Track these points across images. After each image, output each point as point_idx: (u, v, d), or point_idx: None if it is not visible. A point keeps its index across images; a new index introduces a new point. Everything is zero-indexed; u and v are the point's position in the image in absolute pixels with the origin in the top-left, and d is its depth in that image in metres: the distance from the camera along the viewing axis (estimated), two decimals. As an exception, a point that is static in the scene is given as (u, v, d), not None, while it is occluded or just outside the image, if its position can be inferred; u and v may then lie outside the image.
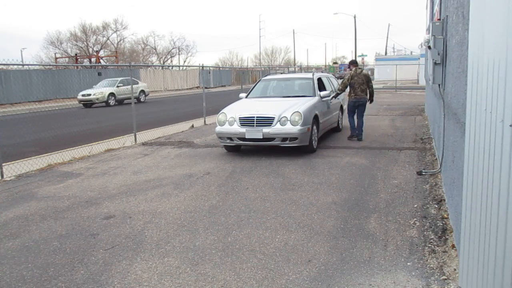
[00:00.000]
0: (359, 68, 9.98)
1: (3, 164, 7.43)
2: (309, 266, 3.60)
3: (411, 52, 59.36)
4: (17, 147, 10.35)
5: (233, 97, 11.75)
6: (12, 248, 4.22)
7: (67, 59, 52.66)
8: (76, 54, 53.10)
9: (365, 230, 4.35)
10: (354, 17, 44.39)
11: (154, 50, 69.16)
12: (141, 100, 27.24)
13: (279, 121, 7.95)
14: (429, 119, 11.37)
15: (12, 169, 7.70)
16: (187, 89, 45.49)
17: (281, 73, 16.92)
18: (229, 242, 4.18)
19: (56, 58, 51.54)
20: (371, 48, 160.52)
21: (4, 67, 26.41)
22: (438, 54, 5.25)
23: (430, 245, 3.93)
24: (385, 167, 7.00)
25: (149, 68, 42.82)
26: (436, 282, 3.25)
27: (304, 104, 8.41)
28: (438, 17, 6.99)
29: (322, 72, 24.08)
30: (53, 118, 15.80)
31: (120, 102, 26.16)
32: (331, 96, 9.94)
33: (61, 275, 3.62)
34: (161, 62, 66.84)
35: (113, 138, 11.16)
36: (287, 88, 10.01)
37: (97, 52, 53.99)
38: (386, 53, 68.35)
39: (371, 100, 10.06)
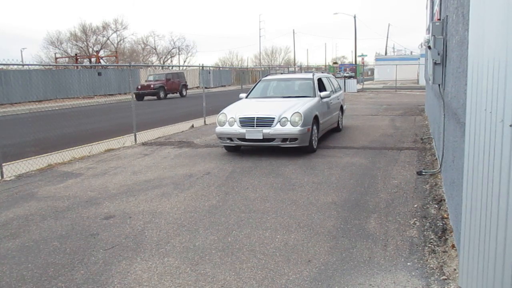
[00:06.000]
0: None
1: (3, 164, 7.43)
2: (309, 266, 3.60)
3: (411, 52, 59.44)
4: (17, 147, 10.35)
5: (233, 97, 11.75)
6: (12, 248, 4.22)
7: (67, 59, 52.62)
8: (76, 54, 53.06)
9: (365, 230, 4.34)
10: (354, 17, 44.36)
11: (154, 50, 69.17)
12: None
13: (279, 121, 7.95)
14: (429, 119, 11.37)
15: (12, 169, 7.70)
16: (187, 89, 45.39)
17: (281, 73, 16.92)
18: (229, 242, 4.18)
19: (56, 58, 51.51)
20: (371, 48, 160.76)
21: (4, 67, 26.44)
22: (438, 54, 5.25)
23: (430, 245, 3.93)
24: (385, 167, 7.00)
25: (149, 68, 42.80)
26: (436, 282, 3.25)
27: (304, 105, 8.41)
28: (438, 17, 6.99)
29: (322, 72, 24.08)
30: (53, 118, 15.79)
31: None
32: (331, 97, 9.96)
33: (61, 275, 3.62)
34: (161, 62, 66.82)
35: (113, 138, 11.16)
36: (287, 88, 10.00)
37: (97, 52, 53.95)
38: (386, 53, 68.40)
39: None
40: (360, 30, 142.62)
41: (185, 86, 33.40)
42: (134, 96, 11.30)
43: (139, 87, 30.12)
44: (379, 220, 4.62)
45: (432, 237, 4.10)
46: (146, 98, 30.15)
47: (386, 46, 72.35)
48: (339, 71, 48.22)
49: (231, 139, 8.28)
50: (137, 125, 10.84)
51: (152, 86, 29.80)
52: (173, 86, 31.67)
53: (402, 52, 66.33)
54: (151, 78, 31.89)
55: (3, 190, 6.46)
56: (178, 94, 32.47)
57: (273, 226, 4.54)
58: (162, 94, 30.21)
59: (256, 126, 8.00)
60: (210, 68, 41.12)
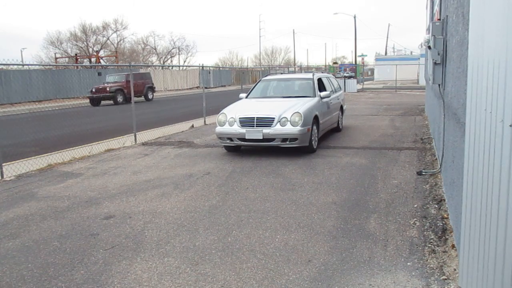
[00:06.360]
0: None
1: (3, 164, 7.43)
2: (309, 266, 3.60)
3: (411, 52, 59.46)
4: (17, 147, 10.35)
5: (233, 97, 11.75)
6: (12, 248, 4.22)
7: (67, 59, 52.68)
8: (76, 54, 53.10)
9: (365, 230, 4.34)
10: (354, 17, 44.38)
11: (154, 50, 69.20)
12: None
13: (279, 121, 7.95)
14: (429, 119, 11.37)
15: (12, 169, 7.70)
16: (187, 89, 45.50)
17: (281, 73, 16.93)
18: (229, 242, 4.18)
19: (56, 58, 51.56)
20: (371, 48, 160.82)
21: (4, 67, 26.47)
22: (438, 54, 5.25)
23: (430, 245, 3.93)
24: (385, 167, 7.00)
25: (149, 68, 42.81)
26: (436, 282, 3.25)
27: (304, 105, 8.41)
28: (438, 17, 6.99)
29: (322, 72, 24.06)
30: (53, 118, 15.79)
31: None
32: (331, 97, 9.96)
33: (61, 275, 3.62)
34: (161, 62, 66.85)
35: (113, 138, 11.16)
36: (287, 88, 10.00)
37: (97, 52, 53.99)
38: (386, 53, 68.40)
39: None
40: (360, 30, 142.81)
41: (152, 88, 28.89)
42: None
43: (93, 90, 25.48)
44: (379, 220, 4.62)
45: (432, 237, 4.10)
46: (103, 103, 25.67)
47: (386, 46, 72.41)
48: (339, 71, 48.26)
49: (231, 139, 8.28)
50: (137, 125, 10.84)
51: (108, 89, 25.07)
52: (135, 88, 27.73)
53: (402, 52, 66.35)
54: (110, 79, 27.09)
55: (3, 190, 6.46)
56: (143, 98, 27.85)
57: (273, 226, 4.54)
58: (120, 99, 25.40)
59: (256, 126, 8.01)
60: (210, 68, 41.14)
